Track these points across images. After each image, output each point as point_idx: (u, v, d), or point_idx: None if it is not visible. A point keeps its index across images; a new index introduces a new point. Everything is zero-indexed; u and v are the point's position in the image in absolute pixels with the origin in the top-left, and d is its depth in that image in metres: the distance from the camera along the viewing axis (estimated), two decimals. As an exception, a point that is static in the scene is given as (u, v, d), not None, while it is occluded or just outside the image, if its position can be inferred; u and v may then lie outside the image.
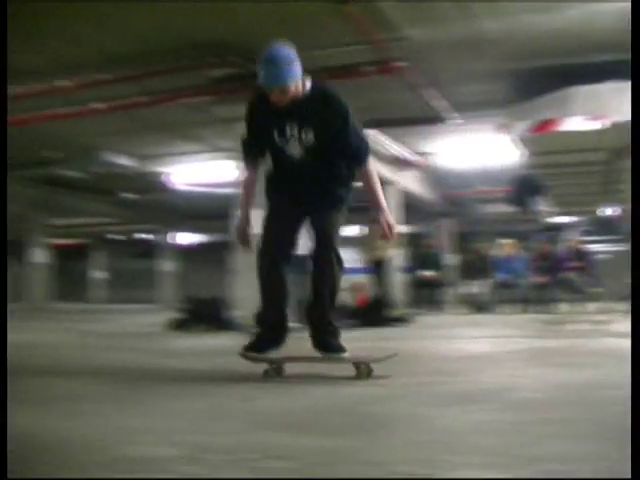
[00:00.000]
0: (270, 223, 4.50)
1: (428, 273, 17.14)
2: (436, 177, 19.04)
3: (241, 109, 10.72)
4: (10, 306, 22.36)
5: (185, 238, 29.40)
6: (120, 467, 2.21)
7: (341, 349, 4.39)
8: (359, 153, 4.40)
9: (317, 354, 4.44)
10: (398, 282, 15.44)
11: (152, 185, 19.42)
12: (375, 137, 14.12)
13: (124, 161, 16.12)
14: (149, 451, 2.42)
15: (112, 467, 2.21)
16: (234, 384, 4.13)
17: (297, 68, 4.10)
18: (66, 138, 14.42)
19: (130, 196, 21.90)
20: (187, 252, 29.11)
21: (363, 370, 4.20)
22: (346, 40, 9.04)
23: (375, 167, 4.48)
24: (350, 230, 17.48)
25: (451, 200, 21.31)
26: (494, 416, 3.03)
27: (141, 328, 11.03)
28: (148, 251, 29.35)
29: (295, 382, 4.18)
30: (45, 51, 9.76)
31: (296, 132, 4.27)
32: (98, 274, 34.22)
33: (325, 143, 4.28)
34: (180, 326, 9.68)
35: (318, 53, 9.30)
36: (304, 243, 10.46)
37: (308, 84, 4.27)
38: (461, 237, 22.18)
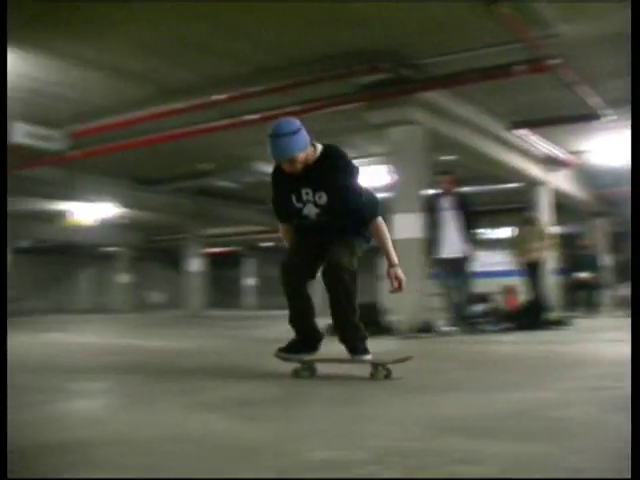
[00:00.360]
0: (291, 246, 4.96)
1: (584, 274, 16.68)
2: (590, 175, 18.49)
3: (392, 114, 10.77)
4: (171, 313, 23.28)
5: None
6: (313, 470, 2.26)
7: (365, 352, 4.71)
8: (362, 213, 4.63)
9: (346, 356, 4.82)
10: (552, 284, 15.07)
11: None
12: (526, 137, 13.90)
13: (274, 170, 16.43)
14: (338, 455, 2.46)
15: (304, 471, 2.27)
16: (407, 390, 4.14)
17: (301, 139, 4.41)
18: (220, 150, 14.87)
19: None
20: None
21: (380, 371, 4.52)
22: (497, 40, 8.91)
23: (383, 223, 4.67)
24: (502, 232, 17.21)
25: (606, 199, 20.63)
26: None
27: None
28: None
29: (469, 388, 4.17)
30: (200, 67, 10.13)
31: (311, 196, 4.60)
32: (249, 281, 35.06)
33: (337, 203, 4.56)
34: (335, 331, 9.76)
35: (469, 55, 9.25)
36: (454, 245, 10.35)
37: (320, 148, 4.60)
38: (616, 237, 21.42)
